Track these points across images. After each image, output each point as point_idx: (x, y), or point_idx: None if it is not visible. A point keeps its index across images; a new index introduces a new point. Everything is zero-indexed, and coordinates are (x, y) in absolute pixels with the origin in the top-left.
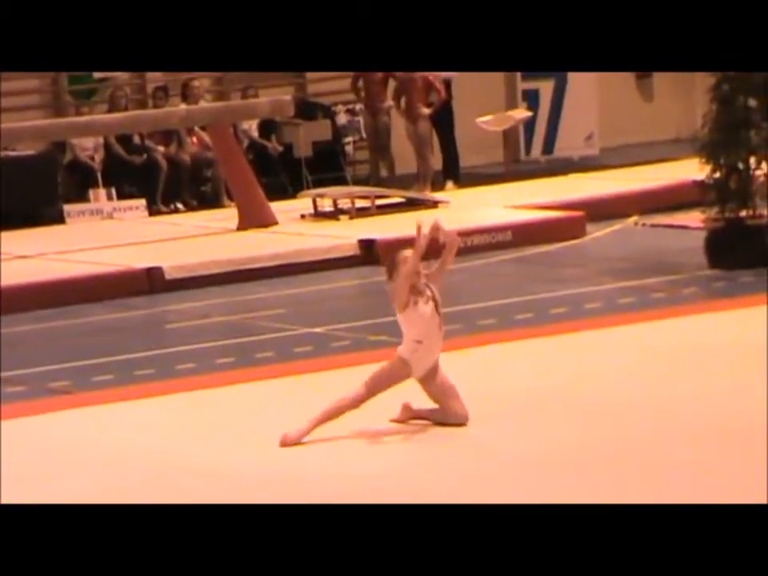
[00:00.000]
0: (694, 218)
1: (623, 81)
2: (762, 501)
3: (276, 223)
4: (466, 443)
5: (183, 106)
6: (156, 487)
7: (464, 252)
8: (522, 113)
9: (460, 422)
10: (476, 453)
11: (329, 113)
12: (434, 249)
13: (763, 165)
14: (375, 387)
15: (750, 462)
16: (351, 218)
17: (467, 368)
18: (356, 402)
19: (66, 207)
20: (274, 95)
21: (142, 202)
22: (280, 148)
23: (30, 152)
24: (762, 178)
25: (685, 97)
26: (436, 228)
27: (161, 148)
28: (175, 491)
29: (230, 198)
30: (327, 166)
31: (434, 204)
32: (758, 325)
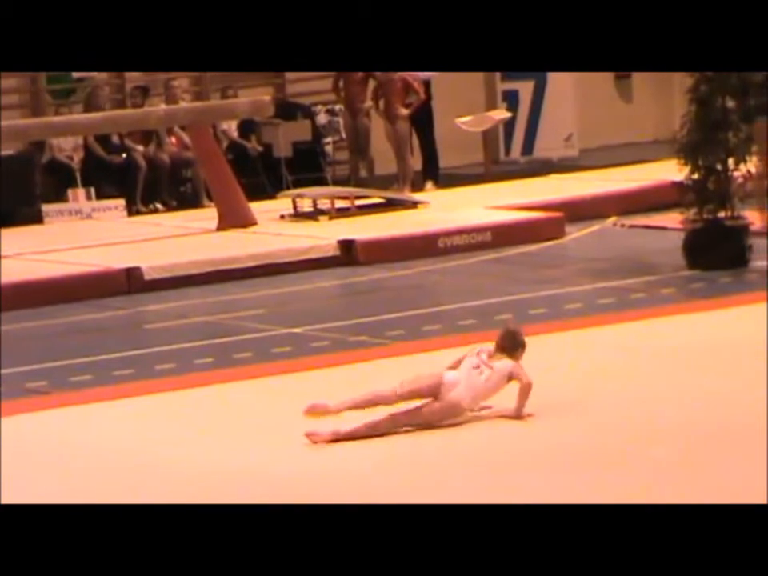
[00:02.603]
0: (673, 219)
1: (602, 82)
2: (746, 500)
3: (255, 223)
4: (450, 443)
5: (162, 106)
6: (134, 488)
7: (443, 252)
8: (501, 113)
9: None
10: (460, 453)
11: (308, 113)
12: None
13: (741, 166)
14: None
15: (735, 461)
16: (331, 218)
17: None
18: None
19: (45, 207)
20: (254, 95)
21: (121, 202)
22: (259, 148)
23: (9, 152)
24: (740, 179)
25: (664, 98)
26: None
27: (140, 148)
28: (153, 491)
29: (210, 198)
30: (307, 167)
31: (414, 204)
32: (737, 325)
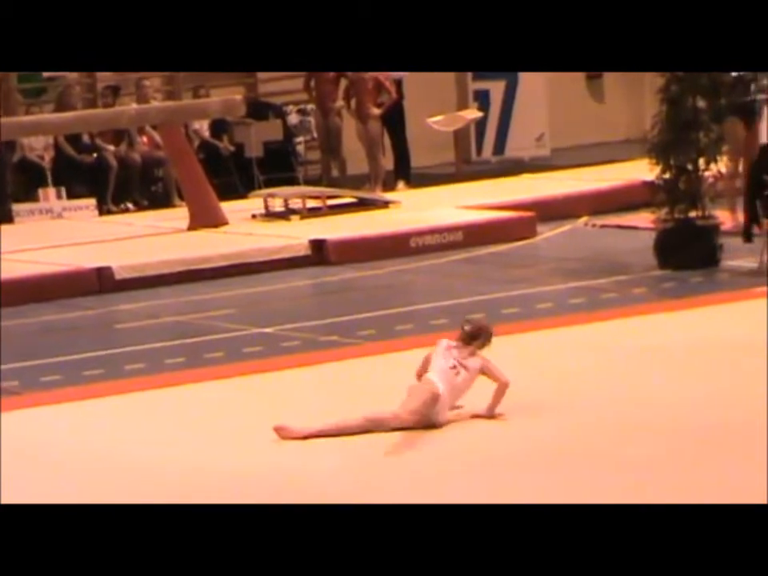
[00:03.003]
0: (644, 219)
1: (574, 82)
2: (720, 498)
3: (227, 223)
4: (424, 443)
5: (134, 105)
6: (104, 488)
7: (415, 252)
8: (472, 113)
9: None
10: (436, 453)
11: (280, 113)
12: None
13: (712, 166)
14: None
15: (709, 460)
16: (302, 218)
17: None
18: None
19: (15, 207)
20: (226, 95)
21: (92, 201)
22: (231, 148)
23: None
24: (710, 179)
25: (635, 98)
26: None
27: (111, 147)
28: (124, 491)
29: (181, 198)
30: (278, 166)
31: (385, 204)
32: (708, 325)
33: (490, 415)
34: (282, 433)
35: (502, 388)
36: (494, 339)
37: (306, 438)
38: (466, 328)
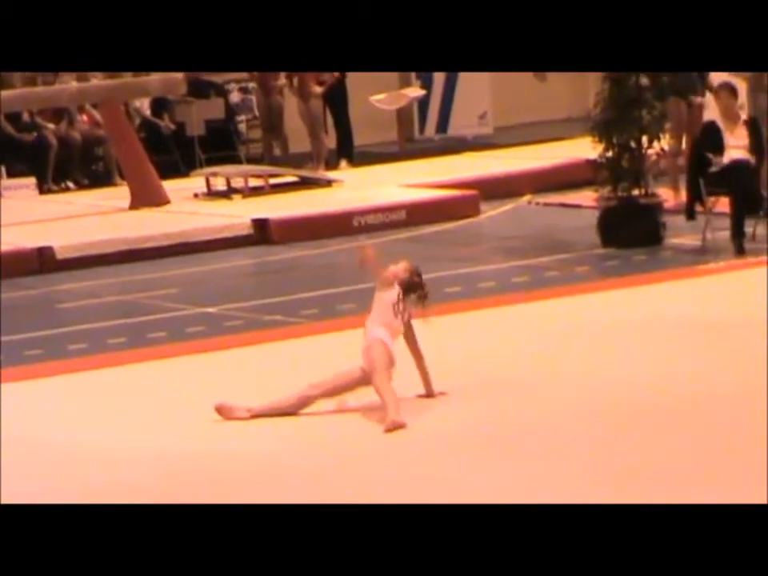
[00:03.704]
0: (587, 197)
1: None
2: (667, 478)
3: (168, 202)
4: (369, 423)
5: (74, 84)
6: (44, 470)
7: (358, 231)
8: (415, 91)
9: None
10: (373, 435)
11: (221, 91)
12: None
13: (655, 144)
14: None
15: (649, 440)
16: (244, 197)
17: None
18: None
19: None
20: (166, 73)
21: (32, 180)
22: (172, 126)
23: None
24: (653, 157)
25: (577, 76)
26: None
27: (51, 126)
28: (65, 473)
29: (122, 177)
30: (220, 145)
31: (328, 183)
32: (651, 303)
33: (431, 394)
34: (224, 413)
35: (424, 365)
36: (437, 319)
37: (250, 418)
38: (405, 276)
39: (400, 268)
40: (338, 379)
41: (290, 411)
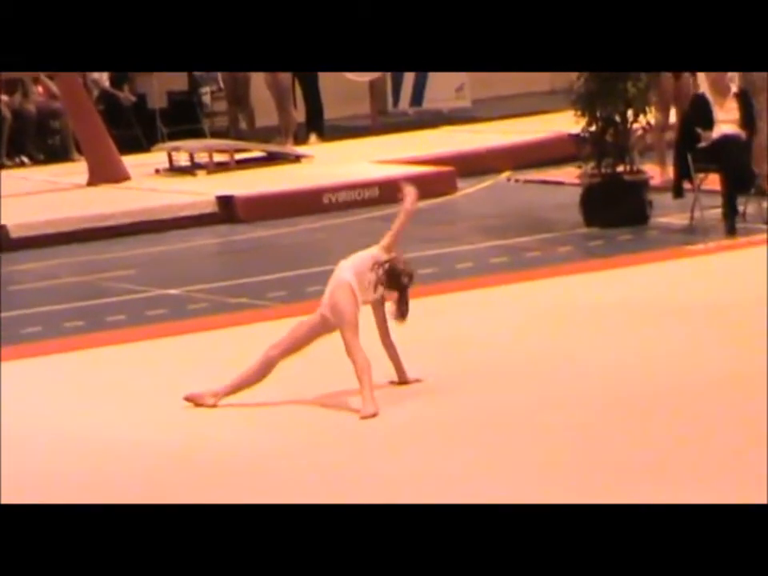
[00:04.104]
0: (570, 174)
1: None
2: (642, 467)
3: (128, 178)
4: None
5: None
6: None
7: (328, 209)
8: None
9: None
10: (349, 421)
11: None
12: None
13: (641, 117)
14: None
15: (636, 428)
16: (209, 172)
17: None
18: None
19: None
20: None
21: None
22: (133, 98)
23: None
24: (639, 131)
25: None
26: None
27: (4, 98)
28: (18, 463)
29: (80, 152)
30: (183, 118)
31: (297, 158)
32: (637, 285)
33: (405, 380)
34: (193, 401)
35: (395, 352)
36: (412, 302)
37: (217, 402)
38: (399, 267)
39: (404, 259)
40: (295, 332)
41: (256, 380)
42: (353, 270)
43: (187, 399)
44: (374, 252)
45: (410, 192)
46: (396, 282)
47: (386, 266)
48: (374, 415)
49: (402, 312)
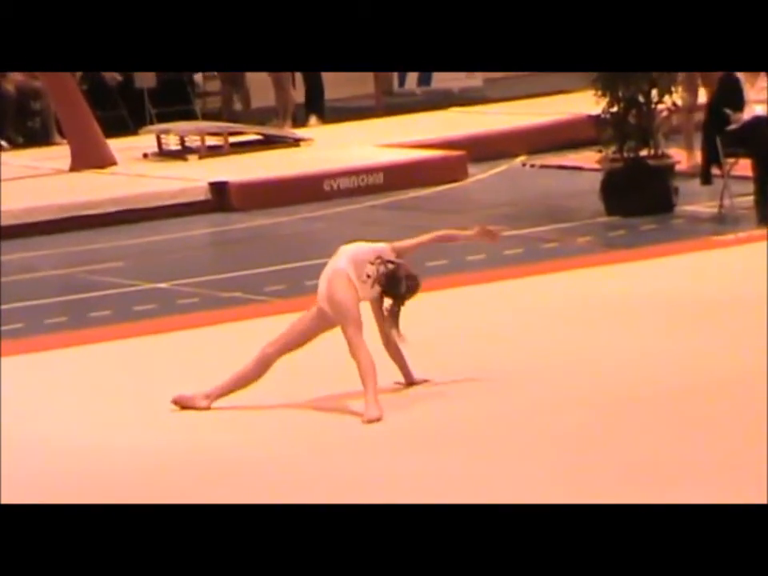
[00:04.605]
0: (589, 158)
1: None
2: (661, 467)
3: (115, 163)
4: (347, 409)
5: None
6: None
7: (329, 196)
8: None
9: None
10: (349, 422)
11: None
12: None
13: (666, 98)
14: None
15: (655, 424)
16: (201, 157)
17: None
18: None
19: None
20: None
21: None
22: (119, 77)
23: None
24: (664, 113)
25: None
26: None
27: None
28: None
29: (62, 135)
30: (173, 98)
31: (296, 142)
32: (661, 277)
33: (412, 382)
34: (182, 404)
35: (399, 351)
36: (420, 295)
37: (210, 405)
38: (402, 274)
39: (406, 264)
40: (293, 328)
41: (251, 380)
42: (351, 257)
43: (175, 402)
44: (381, 246)
45: (484, 234)
46: (394, 288)
47: (389, 266)
48: (377, 419)
49: (391, 324)
